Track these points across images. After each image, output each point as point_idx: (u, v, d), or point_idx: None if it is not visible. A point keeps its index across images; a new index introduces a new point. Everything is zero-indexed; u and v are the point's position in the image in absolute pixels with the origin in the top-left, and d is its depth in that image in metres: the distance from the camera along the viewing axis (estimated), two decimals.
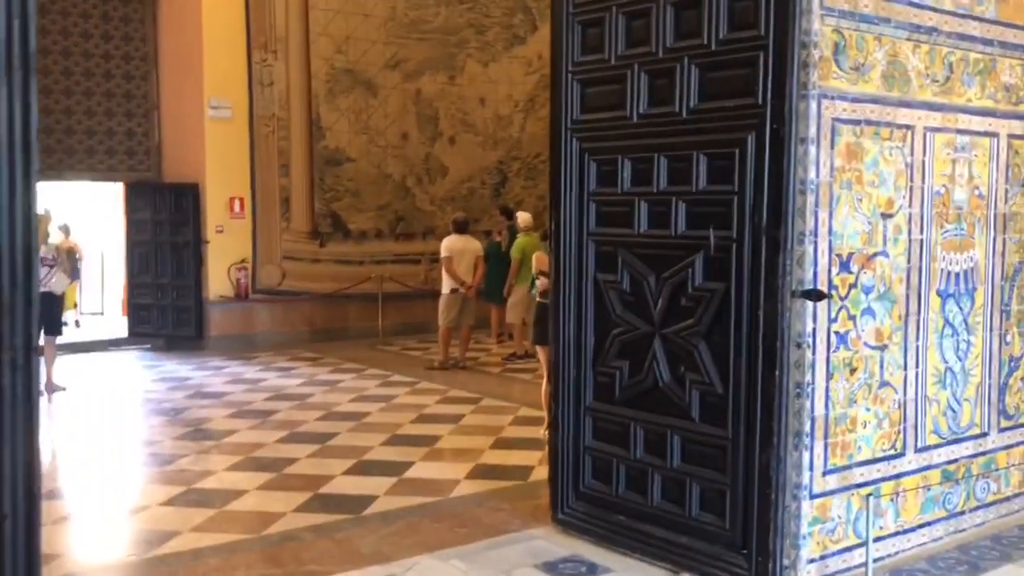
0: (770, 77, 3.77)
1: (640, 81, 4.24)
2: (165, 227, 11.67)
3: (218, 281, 11.70)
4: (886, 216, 4.15)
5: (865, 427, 4.17)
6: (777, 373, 3.83)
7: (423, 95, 13.13)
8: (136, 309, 11.97)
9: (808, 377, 3.89)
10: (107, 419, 7.83)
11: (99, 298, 15.39)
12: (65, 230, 14.44)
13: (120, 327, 12.45)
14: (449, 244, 9.98)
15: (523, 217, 10.35)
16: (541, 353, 6.75)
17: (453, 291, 9.93)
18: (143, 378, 9.90)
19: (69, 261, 14.19)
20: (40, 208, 9.71)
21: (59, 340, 9.07)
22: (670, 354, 4.23)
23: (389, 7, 12.77)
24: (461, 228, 10.07)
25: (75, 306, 13.57)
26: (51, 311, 8.76)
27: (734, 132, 3.90)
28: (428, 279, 13.05)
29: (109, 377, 9.95)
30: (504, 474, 5.93)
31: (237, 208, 11.78)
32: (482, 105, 13.64)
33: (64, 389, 8.82)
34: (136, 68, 11.81)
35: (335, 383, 9.27)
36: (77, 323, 13.24)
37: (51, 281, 8.63)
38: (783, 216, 3.77)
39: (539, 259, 6.56)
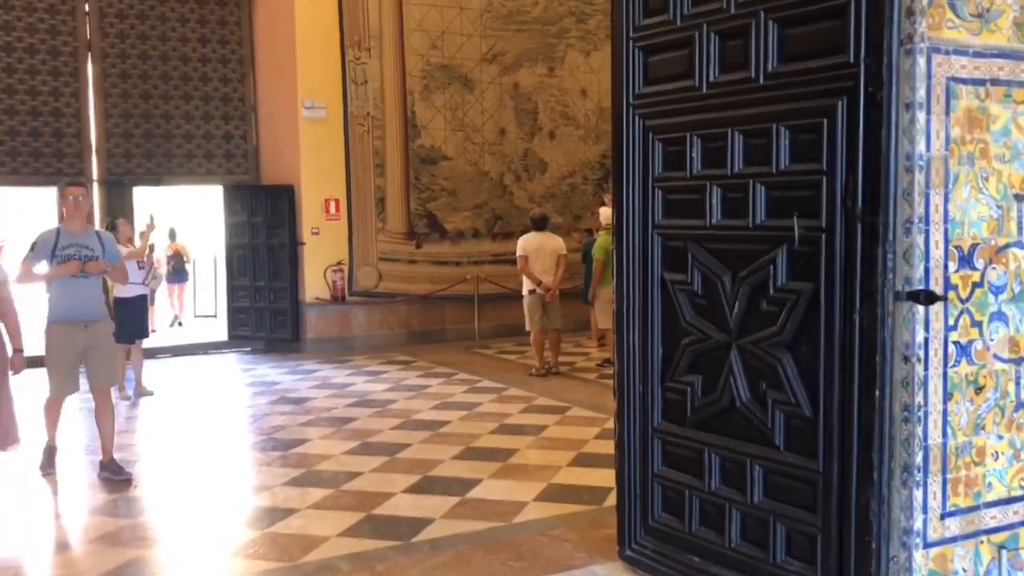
0: (863, 29, 3.05)
1: (710, 44, 3.58)
2: (261, 229, 11.60)
3: (314, 283, 11.55)
4: (1021, 198, 3.34)
5: (997, 459, 3.37)
6: (877, 393, 3.10)
7: (521, 88, 12.64)
8: (235, 312, 11.96)
9: (919, 398, 3.14)
10: (185, 426, 7.67)
11: (211, 301, 15.65)
12: (171, 234, 14.76)
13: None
14: (524, 242, 9.43)
15: (605, 213, 9.67)
16: None
17: (530, 292, 9.38)
18: (232, 382, 9.79)
19: (175, 263, 14.52)
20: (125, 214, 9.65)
21: (146, 343, 9.03)
22: (749, 368, 3.55)
23: None
24: (539, 225, 9.49)
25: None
26: (140, 315, 8.72)
27: (821, 98, 3.19)
28: None
29: (200, 381, 9.88)
30: (578, 496, 5.33)
31: (332, 209, 11.60)
32: (584, 97, 13.04)
33: (152, 393, 8.76)
34: (233, 71, 11.79)
35: (421, 389, 8.87)
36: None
37: (149, 282, 8.63)
38: (883, 200, 3.05)
39: None
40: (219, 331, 12.74)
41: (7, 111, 10.54)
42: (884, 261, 3.06)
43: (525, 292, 9.44)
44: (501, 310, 12.26)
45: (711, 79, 3.61)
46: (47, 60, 10.76)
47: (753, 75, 3.44)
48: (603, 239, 9.59)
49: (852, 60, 3.09)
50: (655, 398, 3.95)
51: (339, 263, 11.62)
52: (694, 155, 3.70)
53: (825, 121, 3.18)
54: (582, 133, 13.04)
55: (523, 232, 12.05)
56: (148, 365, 10.78)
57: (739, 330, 3.57)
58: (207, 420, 7.92)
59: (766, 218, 3.46)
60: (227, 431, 7.51)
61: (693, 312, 3.76)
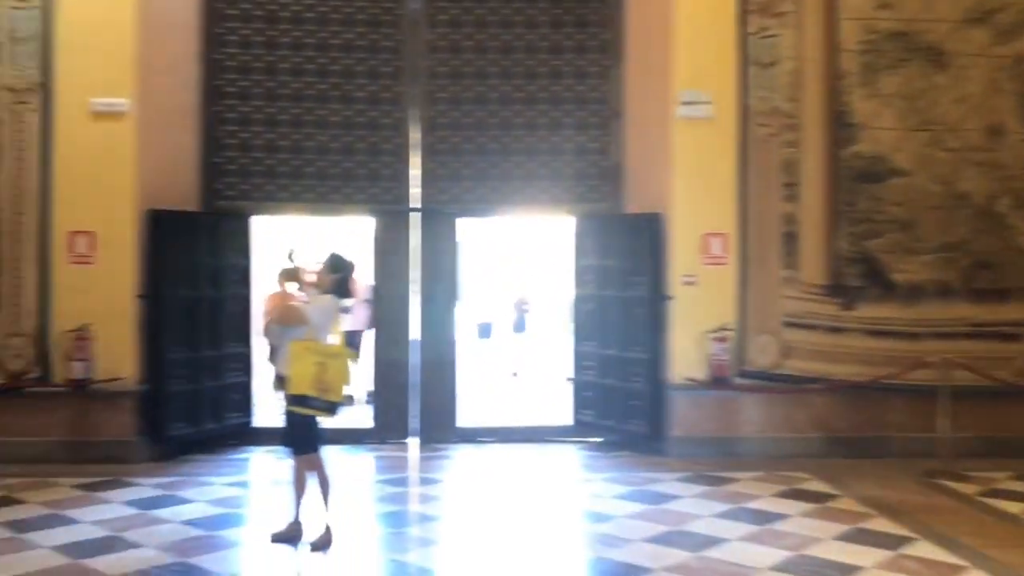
0: None
1: None
2: (614, 276, 8.32)
3: (685, 356, 7.95)
4: None
5: None
6: None
7: None
8: (581, 388, 8.77)
9: None
10: None
11: None
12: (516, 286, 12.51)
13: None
14: None
15: None
16: None
17: None
18: (528, 508, 6.51)
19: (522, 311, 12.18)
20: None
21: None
22: None
23: None
24: None
25: None
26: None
27: None
28: None
29: (485, 496, 6.75)
30: None
31: (716, 249, 7.95)
32: None
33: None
34: (592, 62, 8.70)
35: (847, 574, 4.80)
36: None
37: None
38: None
39: None
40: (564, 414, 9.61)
41: (318, 123, 8.54)
42: None
43: None
44: (986, 414, 7.68)
45: None
46: (365, 58, 8.60)
47: None
48: None
49: None
50: None
51: (723, 328, 7.90)
52: None
53: None
54: None
55: None
56: (465, 453, 8.10)
57: None
58: None
59: None
60: None
61: None
